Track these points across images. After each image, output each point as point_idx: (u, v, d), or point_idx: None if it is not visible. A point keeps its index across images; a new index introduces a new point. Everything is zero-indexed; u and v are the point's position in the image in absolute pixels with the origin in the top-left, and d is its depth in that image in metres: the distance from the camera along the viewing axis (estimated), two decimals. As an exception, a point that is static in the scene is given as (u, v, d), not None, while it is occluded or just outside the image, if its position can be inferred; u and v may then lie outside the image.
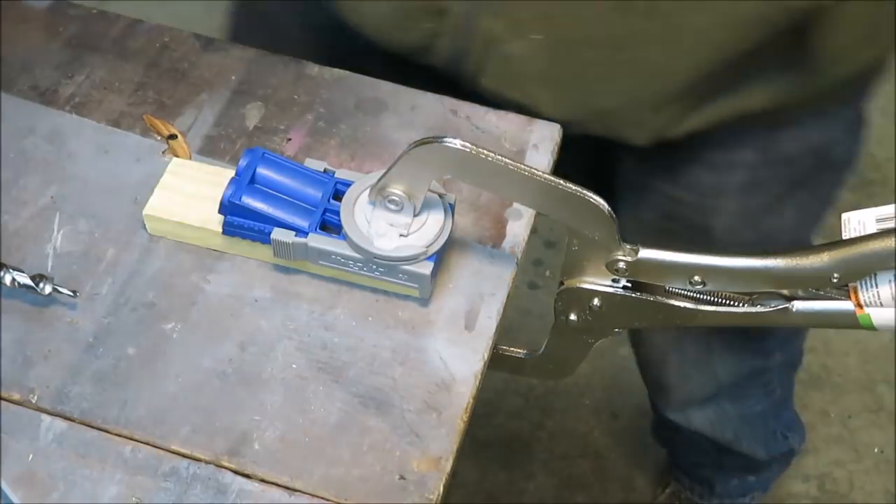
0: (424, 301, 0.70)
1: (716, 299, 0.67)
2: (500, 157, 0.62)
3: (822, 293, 0.64)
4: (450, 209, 0.69)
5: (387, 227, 0.68)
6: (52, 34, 0.84)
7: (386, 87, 0.82)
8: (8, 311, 0.69)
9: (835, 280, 0.62)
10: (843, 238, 0.63)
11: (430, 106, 0.81)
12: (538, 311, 1.69)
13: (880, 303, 0.62)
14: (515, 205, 0.75)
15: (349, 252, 0.68)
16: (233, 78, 0.82)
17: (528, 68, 0.79)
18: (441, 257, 0.70)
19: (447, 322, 0.70)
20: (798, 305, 0.65)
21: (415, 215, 0.68)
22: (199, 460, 0.64)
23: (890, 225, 0.61)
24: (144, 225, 0.73)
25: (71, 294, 0.69)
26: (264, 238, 0.69)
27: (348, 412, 0.66)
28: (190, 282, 0.71)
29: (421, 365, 0.68)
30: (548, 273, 1.76)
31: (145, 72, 0.82)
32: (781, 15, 0.73)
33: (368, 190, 0.68)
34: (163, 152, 0.77)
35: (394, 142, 0.79)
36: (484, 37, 0.78)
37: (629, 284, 0.67)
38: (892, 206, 0.62)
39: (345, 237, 0.68)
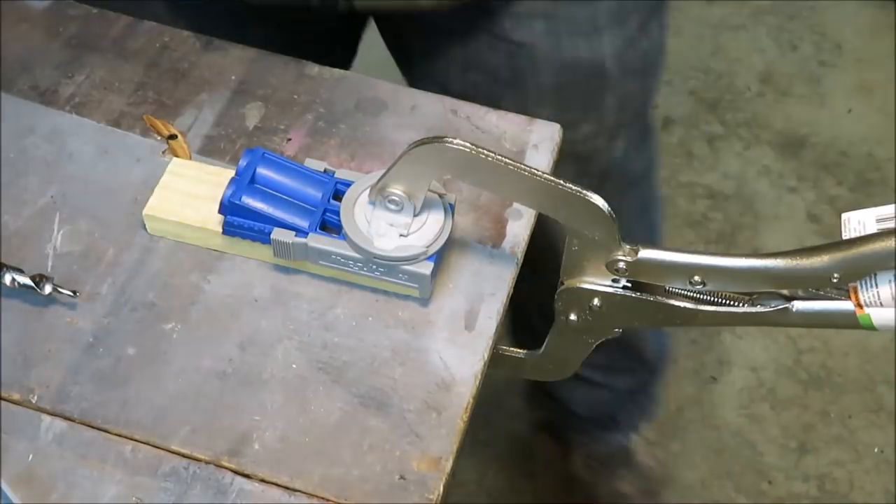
0: (424, 301, 0.70)
1: (716, 299, 0.67)
2: (500, 157, 0.62)
3: (822, 293, 0.64)
4: (450, 209, 0.69)
5: (387, 227, 0.68)
6: (52, 34, 0.84)
7: (386, 87, 0.82)
8: (8, 311, 0.69)
9: (835, 280, 0.62)
10: (843, 238, 0.63)
11: (430, 106, 0.81)
12: (538, 311, 1.69)
13: (880, 303, 0.62)
14: (515, 205, 0.75)
15: (349, 252, 0.68)
16: (233, 78, 0.82)
17: None
18: (441, 257, 0.70)
19: (447, 322, 0.70)
20: (798, 305, 0.65)
21: (415, 215, 0.68)
22: (199, 460, 0.64)
23: (890, 225, 0.61)
24: (144, 225, 0.73)
25: (71, 294, 0.69)
26: (264, 238, 0.69)
27: (348, 412, 0.66)
28: (190, 282, 0.71)
29: (421, 365, 0.68)
30: (548, 273, 1.76)
31: (145, 72, 0.82)
32: None
33: (368, 190, 0.68)
34: (163, 152, 0.77)
35: (394, 142, 0.79)
36: None
37: (629, 284, 0.67)
38: (892, 206, 0.62)
39: (345, 237, 0.68)
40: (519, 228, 0.75)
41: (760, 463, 1.60)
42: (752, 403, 1.66)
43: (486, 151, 0.62)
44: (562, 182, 0.63)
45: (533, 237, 0.75)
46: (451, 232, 0.69)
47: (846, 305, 0.63)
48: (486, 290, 0.71)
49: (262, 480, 0.63)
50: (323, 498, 0.63)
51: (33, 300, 0.69)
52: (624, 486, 1.52)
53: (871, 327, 0.63)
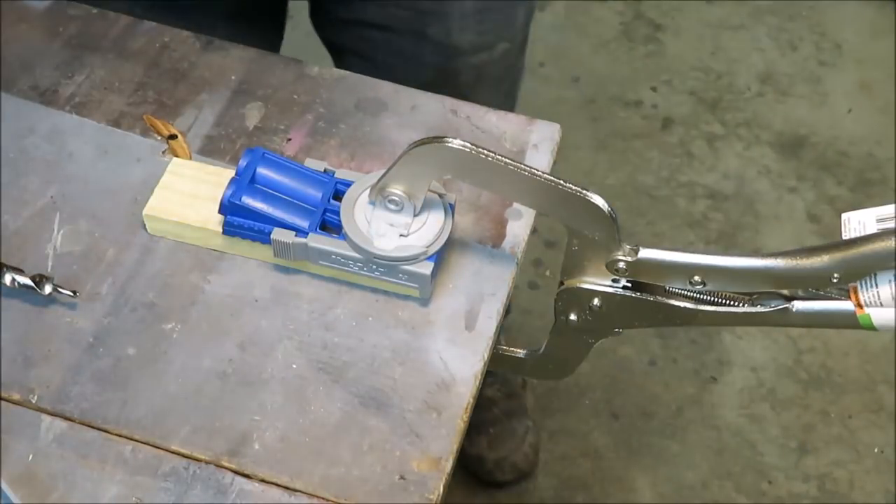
0: (424, 301, 0.70)
1: (716, 299, 0.67)
2: (500, 157, 0.62)
3: (822, 293, 0.64)
4: (450, 209, 0.69)
5: (387, 227, 0.68)
6: (52, 34, 0.84)
7: (386, 87, 0.82)
8: (8, 311, 0.69)
9: (835, 280, 0.62)
10: (843, 238, 0.63)
11: (430, 106, 0.81)
12: (538, 311, 1.69)
13: (880, 303, 0.62)
14: (515, 205, 0.75)
15: (349, 252, 0.68)
16: (233, 78, 0.82)
17: None
18: (441, 257, 0.70)
19: (447, 322, 0.70)
20: (798, 305, 0.65)
21: (415, 215, 0.68)
22: (199, 460, 0.64)
23: (890, 225, 0.61)
24: (144, 225, 0.73)
25: (71, 294, 0.69)
26: (264, 238, 0.69)
27: (348, 412, 0.66)
28: (190, 282, 0.71)
29: (421, 365, 0.68)
30: (548, 273, 1.76)
31: (145, 72, 0.82)
32: None
33: (368, 190, 0.68)
34: (163, 152, 0.77)
35: (394, 142, 0.79)
36: None
37: (629, 284, 0.67)
38: (892, 206, 0.62)
39: (345, 237, 0.68)
40: (519, 228, 0.75)
41: (760, 463, 1.60)
42: (752, 403, 1.66)
43: (486, 151, 0.62)
44: (562, 182, 0.63)
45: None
46: (451, 232, 0.69)
47: (846, 305, 0.63)
48: (486, 290, 0.71)
49: (262, 480, 0.63)
50: (323, 498, 0.63)
51: (33, 300, 0.69)
52: (491, 391, 1.55)
53: (871, 327, 0.63)
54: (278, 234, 0.68)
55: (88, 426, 0.65)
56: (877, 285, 0.62)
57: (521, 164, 0.63)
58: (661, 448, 1.61)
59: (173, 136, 0.78)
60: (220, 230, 0.70)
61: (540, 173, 0.63)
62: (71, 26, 0.84)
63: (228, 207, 0.69)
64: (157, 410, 0.66)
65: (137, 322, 0.69)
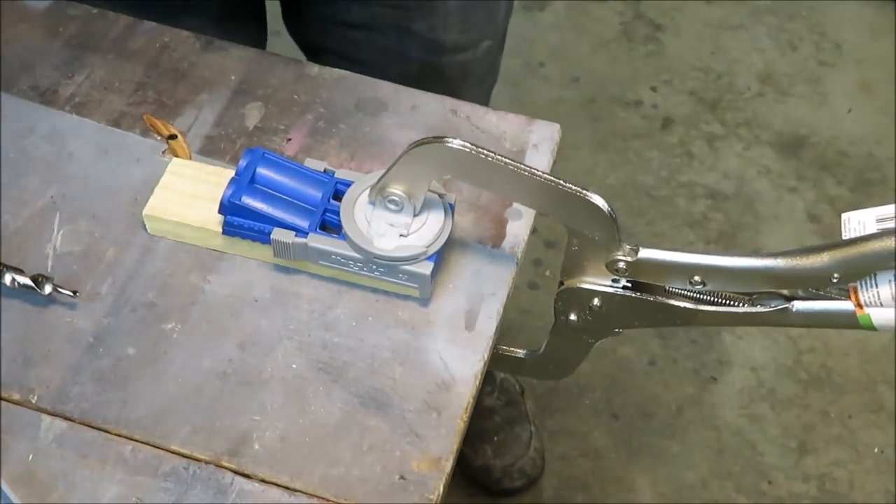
0: (424, 301, 0.70)
1: (716, 299, 0.67)
2: (500, 157, 0.62)
3: (822, 293, 0.64)
4: (450, 209, 0.69)
5: (387, 227, 0.68)
6: (52, 34, 0.84)
7: (386, 87, 0.82)
8: (8, 311, 0.69)
9: (835, 280, 0.62)
10: (843, 238, 0.63)
11: (430, 106, 0.81)
12: (538, 311, 1.69)
13: (880, 303, 0.62)
14: (515, 205, 0.75)
15: (349, 252, 0.68)
16: (233, 78, 0.82)
17: None
18: (441, 257, 0.70)
19: (447, 322, 0.70)
20: (798, 305, 0.65)
21: (415, 215, 0.68)
22: (199, 460, 0.64)
23: (890, 225, 0.61)
24: (144, 225, 0.73)
25: (71, 294, 0.69)
26: (264, 238, 0.69)
27: (348, 412, 0.66)
28: (190, 282, 0.71)
29: (421, 365, 0.68)
30: (548, 273, 1.76)
31: (145, 72, 0.82)
32: None
33: (368, 190, 0.68)
34: (163, 152, 0.77)
35: (394, 142, 0.79)
36: None
37: (629, 284, 0.67)
38: (892, 206, 0.62)
39: (345, 237, 0.68)
40: (519, 228, 0.75)
41: (760, 463, 1.60)
42: (752, 403, 1.66)
43: (486, 151, 0.62)
44: (562, 182, 0.63)
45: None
46: (451, 232, 0.69)
47: (846, 305, 0.63)
48: (486, 290, 0.71)
49: (262, 480, 0.63)
50: (323, 498, 0.63)
51: (33, 300, 0.69)
52: (490, 400, 1.55)
53: (871, 327, 0.63)
54: (278, 234, 0.68)
55: (88, 426, 0.65)
56: (877, 285, 0.62)
57: (521, 164, 0.63)
58: (661, 448, 1.61)
59: (173, 136, 0.78)
60: (220, 230, 0.70)
61: (540, 173, 0.63)
62: (71, 26, 0.84)
63: (228, 207, 0.69)
64: (157, 410, 0.66)
65: (137, 322, 0.69)
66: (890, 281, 0.61)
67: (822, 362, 1.71)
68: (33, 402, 0.66)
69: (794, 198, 1.91)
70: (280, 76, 0.82)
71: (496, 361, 0.73)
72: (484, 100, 1.13)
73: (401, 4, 0.99)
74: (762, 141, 1.99)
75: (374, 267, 0.68)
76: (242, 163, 0.70)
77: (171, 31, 0.85)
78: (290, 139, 0.79)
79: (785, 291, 0.65)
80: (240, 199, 0.68)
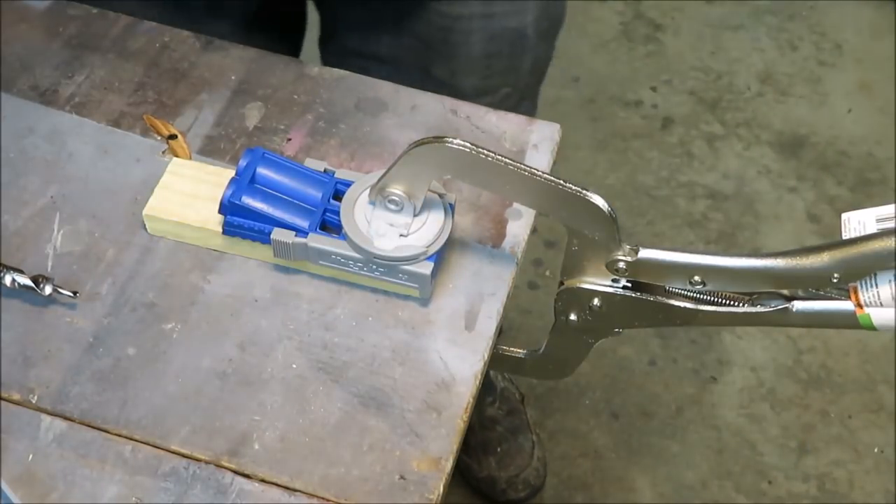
0: (424, 301, 0.70)
1: (716, 299, 0.67)
2: (500, 157, 0.62)
3: (822, 293, 0.64)
4: (450, 209, 0.69)
5: (387, 227, 0.68)
6: (52, 34, 0.84)
7: (386, 87, 0.82)
8: (8, 311, 0.69)
9: (835, 280, 0.62)
10: (843, 238, 0.62)
11: (430, 106, 0.81)
12: (538, 311, 1.69)
13: (880, 303, 0.62)
14: (515, 205, 0.75)
15: (349, 252, 0.68)
16: (233, 78, 0.82)
17: None
18: (441, 257, 0.70)
19: (447, 322, 0.70)
20: (798, 305, 0.65)
21: (415, 215, 0.68)
22: (199, 460, 0.64)
23: (890, 225, 0.61)
24: (144, 225, 0.73)
25: (71, 294, 0.69)
26: (264, 238, 0.69)
27: (348, 412, 0.66)
28: (190, 282, 0.71)
29: (421, 365, 0.68)
30: (548, 273, 1.76)
31: (145, 72, 0.82)
32: None
33: (368, 190, 0.68)
34: (163, 152, 0.77)
35: (394, 142, 0.79)
36: None
37: (629, 284, 0.67)
38: (892, 206, 0.62)
39: (345, 237, 0.68)
40: (519, 228, 0.75)
41: (760, 463, 1.60)
42: (752, 403, 1.66)
43: (486, 151, 0.62)
44: (562, 182, 0.63)
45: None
46: (451, 232, 0.69)
47: (846, 305, 0.63)
48: (486, 290, 0.71)
49: (262, 480, 0.63)
50: (323, 498, 0.63)
51: (33, 300, 0.69)
52: (492, 410, 1.56)
53: (871, 327, 0.63)
54: (278, 234, 0.68)
55: (88, 426, 0.65)
56: (877, 285, 0.62)
57: (521, 164, 0.63)
58: (661, 448, 1.61)
59: (173, 136, 0.78)
60: (220, 230, 0.70)
61: (540, 173, 0.63)
62: (71, 26, 0.84)
63: (228, 207, 0.69)
64: (157, 410, 0.66)
65: (137, 322, 0.69)
66: (890, 281, 0.61)
67: (822, 362, 1.71)
68: (33, 402, 0.66)
69: (794, 198, 1.91)
70: (280, 76, 0.82)
71: (496, 361, 0.73)
72: None
73: (427, 41, 1.00)
74: (762, 141, 1.99)
75: (374, 267, 0.68)
76: (242, 163, 0.70)
77: (171, 31, 0.85)
78: (290, 139, 0.79)
79: (785, 291, 0.65)
80: (240, 199, 0.68)
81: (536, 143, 0.80)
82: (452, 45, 1.00)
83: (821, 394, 1.68)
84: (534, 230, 0.76)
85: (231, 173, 0.70)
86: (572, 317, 0.70)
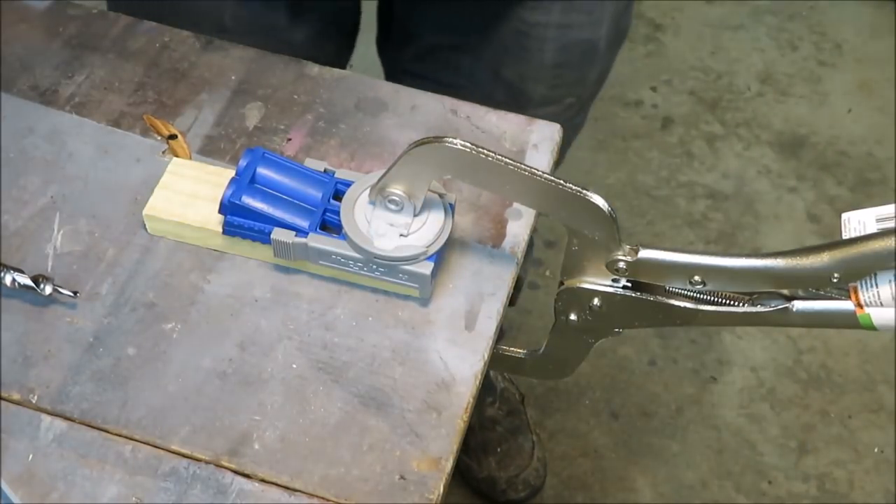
0: (424, 301, 0.70)
1: (716, 299, 0.67)
2: (500, 157, 0.62)
3: (822, 293, 0.64)
4: (450, 209, 0.69)
5: (387, 227, 0.68)
6: (52, 34, 0.84)
7: (386, 87, 0.82)
8: (8, 311, 0.69)
9: (835, 280, 0.62)
10: (843, 238, 0.62)
11: (430, 106, 0.81)
12: (538, 311, 1.69)
13: (880, 303, 0.62)
14: (515, 205, 0.75)
15: (349, 252, 0.68)
16: (233, 78, 0.82)
17: None
18: (441, 257, 0.70)
19: (447, 322, 0.70)
20: (798, 305, 0.65)
21: (415, 215, 0.68)
22: (199, 460, 0.64)
23: (890, 225, 0.61)
24: (144, 225, 0.73)
25: (71, 294, 0.69)
26: (264, 238, 0.69)
27: (348, 412, 0.66)
28: (190, 282, 0.71)
29: (421, 365, 0.68)
30: (548, 273, 1.76)
31: (145, 72, 0.82)
32: None
33: (368, 190, 0.68)
34: (163, 152, 0.77)
35: (394, 142, 0.79)
36: None
37: (629, 284, 0.67)
38: (892, 205, 0.62)
39: (345, 237, 0.68)
40: (519, 228, 0.75)
41: (760, 463, 1.60)
42: (752, 403, 1.66)
43: (486, 151, 0.62)
44: (562, 182, 0.63)
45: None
46: (451, 232, 0.69)
47: (846, 305, 0.63)
48: (486, 290, 0.71)
49: (262, 480, 0.63)
50: (323, 498, 0.63)
51: (33, 300, 0.69)
52: (492, 410, 1.56)
53: (871, 327, 0.63)
54: (278, 233, 0.68)
55: (88, 426, 0.65)
56: (877, 285, 0.62)
57: (521, 164, 0.63)
58: (661, 448, 1.61)
59: (173, 136, 0.78)
60: (220, 230, 0.70)
61: (540, 173, 0.63)
62: (71, 26, 0.84)
63: (228, 207, 0.69)
64: (157, 410, 0.66)
65: (137, 322, 0.69)
66: (890, 281, 0.61)
67: (822, 362, 1.71)
68: (33, 402, 0.66)
69: (794, 198, 1.91)
70: (280, 76, 0.82)
71: (496, 361, 0.73)
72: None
73: (503, 47, 1.00)
74: (762, 141, 1.99)
75: (374, 267, 0.68)
76: (242, 163, 0.70)
77: (171, 30, 0.85)
78: (290, 139, 0.79)
79: (785, 291, 0.65)
80: (240, 199, 0.68)
81: (536, 143, 0.80)
82: (526, 50, 1.01)
83: (821, 394, 1.68)
84: (534, 230, 0.76)
85: (231, 173, 0.70)
86: (572, 317, 0.70)
